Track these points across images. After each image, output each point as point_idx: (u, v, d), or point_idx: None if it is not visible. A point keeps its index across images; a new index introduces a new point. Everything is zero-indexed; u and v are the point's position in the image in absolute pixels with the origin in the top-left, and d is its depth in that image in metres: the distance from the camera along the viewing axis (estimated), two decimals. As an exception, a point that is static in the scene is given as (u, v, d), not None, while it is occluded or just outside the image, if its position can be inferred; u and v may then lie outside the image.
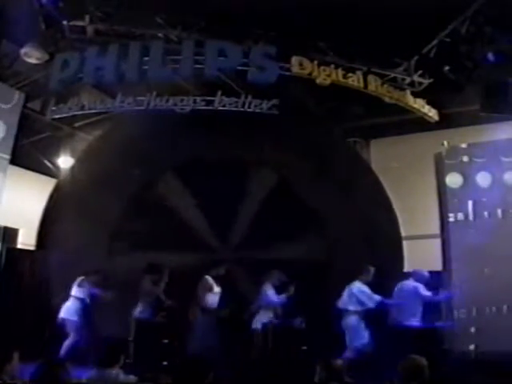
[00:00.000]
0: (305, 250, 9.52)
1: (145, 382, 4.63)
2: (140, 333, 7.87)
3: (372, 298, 7.94)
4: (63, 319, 8.21)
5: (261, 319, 8.18)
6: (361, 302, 7.94)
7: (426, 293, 7.95)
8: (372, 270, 8.12)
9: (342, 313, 8.01)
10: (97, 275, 8.45)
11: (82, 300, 8.30)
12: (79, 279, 8.35)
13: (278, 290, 8.35)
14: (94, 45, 8.20)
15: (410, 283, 8.07)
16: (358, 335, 7.86)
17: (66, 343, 7.99)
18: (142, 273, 8.42)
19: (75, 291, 8.32)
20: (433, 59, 8.43)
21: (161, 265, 8.46)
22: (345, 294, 8.05)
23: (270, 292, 8.28)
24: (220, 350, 7.81)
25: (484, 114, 8.44)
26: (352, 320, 7.92)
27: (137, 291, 8.34)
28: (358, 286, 8.02)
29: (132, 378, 4.55)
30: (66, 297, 8.36)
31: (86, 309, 8.35)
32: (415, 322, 7.80)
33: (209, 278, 8.33)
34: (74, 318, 8.20)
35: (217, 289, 8.37)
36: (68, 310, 8.23)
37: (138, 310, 8.20)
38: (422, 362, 4.02)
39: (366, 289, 8.00)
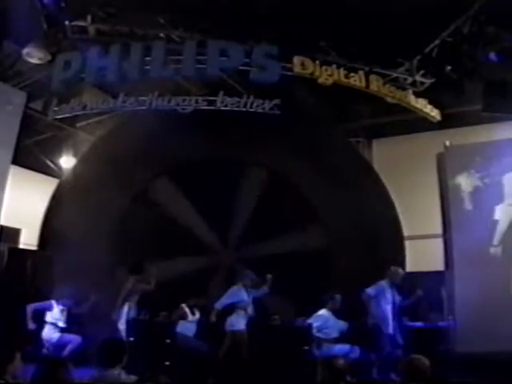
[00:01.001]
0: (306, 250, 9.52)
1: (145, 382, 4.62)
2: (136, 333, 7.86)
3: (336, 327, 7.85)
4: (47, 341, 8.17)
5: (238, 319, 8.06)
6: (326, 333, 7.81)
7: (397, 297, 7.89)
8: (338, 297, 7.96)
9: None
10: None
11: (55, 325, 8.26)
12: (52, 302, 8.28)
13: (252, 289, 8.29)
14: (96, 45, 8.19)
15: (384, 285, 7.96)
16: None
17: (68, 347, 8.01)
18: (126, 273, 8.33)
19: (50, 315, 8.26)
20: (435, 59, 8.42)
21: (145, 264, 8.35)
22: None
23: (240, 291, 8.20)
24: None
25: (486, 114, 8.43)
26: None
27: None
28: (326, 316, 7.90)
29: (133, 377, 4.54)
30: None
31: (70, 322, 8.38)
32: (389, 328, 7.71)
33: (183, 306, 8.42)
34: (54, 339, 8.20)
35: (192, 317, 8.43)
36: (46, 335, 8.19)
37: (126, 311, 8.11)
38: (424, 362, 4.01)
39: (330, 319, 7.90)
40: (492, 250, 8.17)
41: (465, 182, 8.68)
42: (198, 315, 8.54)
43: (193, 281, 9.10)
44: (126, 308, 7.99)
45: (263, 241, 9.58)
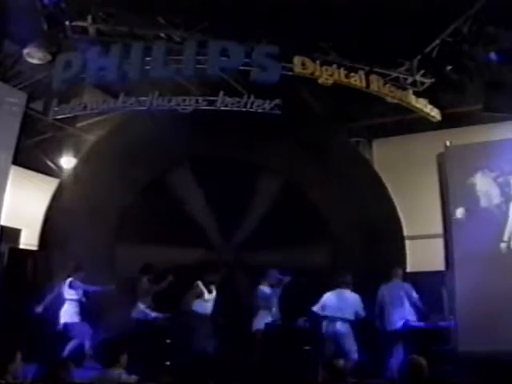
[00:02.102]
0: (307, 249, 9.50)
1: (146, 382, 4.64)
2: (141, 332, 7.88)
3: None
4: (65, 324, 8.17)
5: (261, 320, 8.13)
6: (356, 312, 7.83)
7: (415, 294, 8.08)
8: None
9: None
10: (81, 272, 8.36)
11: (78, 301, 8.27)
12: (68, 280, 8.27)
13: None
14: (97, 45, 8.20)
15: (399, 283, 8.15)
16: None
17: (70, 345, 7.99)
18: (138, 273, 8.47)
19: (68, 293, 8.27)
20: (435, 59, 8.43)
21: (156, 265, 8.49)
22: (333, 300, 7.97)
23: (265, 290, 8.27)
24: (217, 354, 7.78)
25: (487, 114, 8.43)
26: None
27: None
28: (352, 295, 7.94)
29: (133, 377, 4.55)
30: (58, 301, 8.31)
31: (84, 308, 8.33)
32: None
33: (199, 284, 8.27)
34: (75, 319, 8.19)
35: (208, 296, 8.29)
36: (67, 314, 8.19)
37: (137, 310, 8.24)
38: (422, 362, 4.02)
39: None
40: (502, 245, 8.12)
41: (465, 182, 8.66)
42: (214, 293, 8.35)
43: (188, 271, 9.08)
44: (142, 307, 8.16)
45: (266, 249, 9.38)
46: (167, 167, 10.20)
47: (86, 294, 8.33)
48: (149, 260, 8.74)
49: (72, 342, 8.01)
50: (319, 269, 9.26)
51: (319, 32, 8.06)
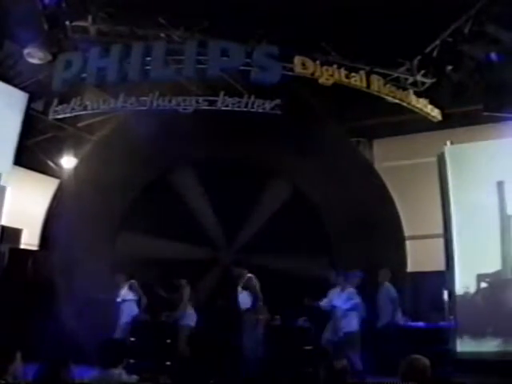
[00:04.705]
0: (308, 277, 9.42)
1: (145, 382, 4.63)
2: (141, 333, 7.91)
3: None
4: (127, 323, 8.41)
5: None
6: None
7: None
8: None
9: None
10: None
11: (136, 301, 8.55)
12: (129, 283, 8.54)
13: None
14: (97, 45, 8.21)
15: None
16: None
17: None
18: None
19: (127, 294, 8.51)
20: (435, 59, 8.42)
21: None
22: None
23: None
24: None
25: (487, 114, 8.42)
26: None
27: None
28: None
29: (134, 377, 4.54)
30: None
31: (142, 309, 8.64)
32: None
33: (253, 277, 8.25)
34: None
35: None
36: (129, 313, 8.45)
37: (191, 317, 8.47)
38: (424, 362, 4.01)
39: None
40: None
41: (465, 182, 8.66)
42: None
43: (188, 268, 9.11)
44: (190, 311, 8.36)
45: (266, 254, 9.33)
46: (168, 167, 10.20)
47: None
48: (149, 254, 8.77)
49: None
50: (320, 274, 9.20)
51: (319, 32, 8.06)
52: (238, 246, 9.97)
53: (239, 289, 8.20)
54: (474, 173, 8.57)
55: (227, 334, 8.22)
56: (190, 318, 8.41)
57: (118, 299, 8.52)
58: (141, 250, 9.31)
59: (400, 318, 8.43)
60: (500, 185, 8.36)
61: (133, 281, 8.60)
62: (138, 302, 8.60)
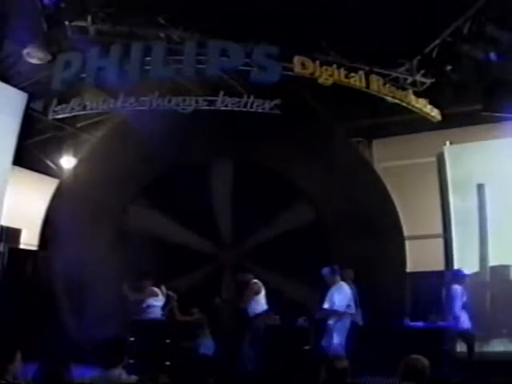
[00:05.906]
0: (299, 226, 9.39)
1: (145, 382, 4.63)
2: (141, 332, 7.87)
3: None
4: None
5: None
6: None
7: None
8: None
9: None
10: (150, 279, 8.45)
11: (161, 307, 8.32)
12: (157, 289, 8.29)
13: None
14: (97, 45, 8.22)
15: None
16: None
17: None
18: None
19: (155, 300, 8.26)
20: (435, 59, 8.43)
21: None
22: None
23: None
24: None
25: (487, 114, 8.43)
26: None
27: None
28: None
29: (133, 377, 4.54)
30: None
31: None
32: None
33: (257, 281, 8.14)
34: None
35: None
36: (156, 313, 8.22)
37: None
38: (423, 362, 4.01)
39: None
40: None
41: (465, 182, 8.68)
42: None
43: (204, 289, 9.07)
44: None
45: (254, 231, 9.43)
46: (169, 166, 10.16)
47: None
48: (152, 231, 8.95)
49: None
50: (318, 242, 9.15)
51: (319, 32, 8.06)
52: (240, 249, 9.91)
53: (250, 295, 8.13)
54: (473, 173, 8.60)
55: (227, 334, 8.22)
56: (207, 346, 8.06)
57: (144, 304, 8.25)
58: (145, 225, 9.34)
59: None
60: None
61: (162, 287, 8.34)
62: (163, 308, 8.32)
